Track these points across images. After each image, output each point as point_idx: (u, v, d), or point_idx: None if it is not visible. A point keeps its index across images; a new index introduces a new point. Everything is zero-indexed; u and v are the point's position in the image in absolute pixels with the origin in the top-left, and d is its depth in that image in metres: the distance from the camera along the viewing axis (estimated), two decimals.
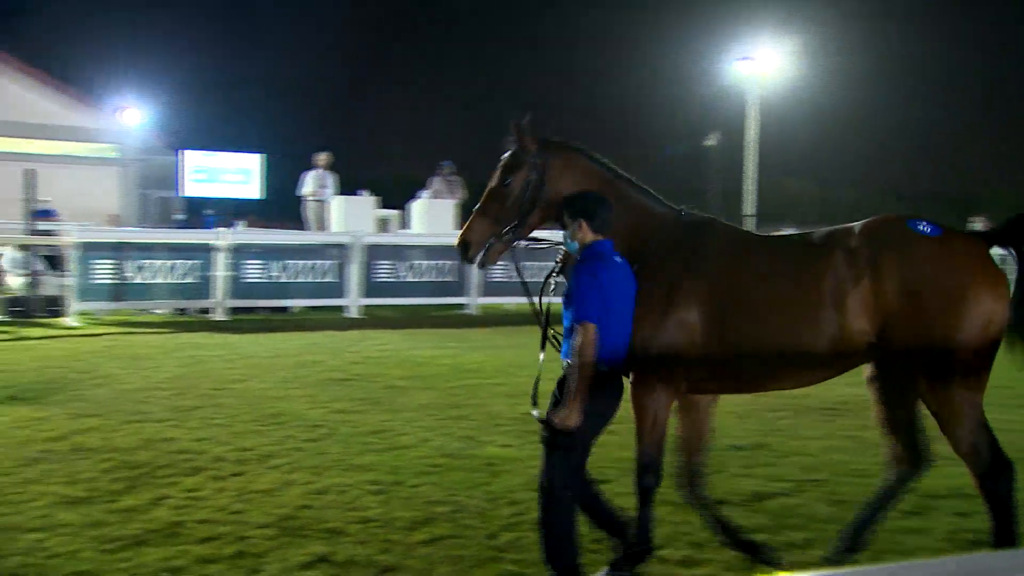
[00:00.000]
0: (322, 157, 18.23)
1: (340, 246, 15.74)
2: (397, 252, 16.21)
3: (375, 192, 18.93)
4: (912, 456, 4.48)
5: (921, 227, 4.16)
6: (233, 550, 4.64)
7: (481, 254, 4.36)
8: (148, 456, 6.30)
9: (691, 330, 4.16)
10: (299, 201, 18.57)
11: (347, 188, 18.86)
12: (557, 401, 4.13)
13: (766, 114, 31.81)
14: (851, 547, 4.46)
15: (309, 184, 18.13)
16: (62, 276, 14.83)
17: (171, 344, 11.56)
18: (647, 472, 4.29)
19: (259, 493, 5.55)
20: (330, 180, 18.23)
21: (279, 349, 11.50)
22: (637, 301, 4.19)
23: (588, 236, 4.15)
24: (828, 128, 52.83)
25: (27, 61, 30.39)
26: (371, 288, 15.82)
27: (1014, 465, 4.11)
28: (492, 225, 4.36)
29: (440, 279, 16.40)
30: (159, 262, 14.40)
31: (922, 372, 4.09)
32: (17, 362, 10.02)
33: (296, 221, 19.55)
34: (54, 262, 16.06)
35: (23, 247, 15.16)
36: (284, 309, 15.86)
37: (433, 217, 18.22)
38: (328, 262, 15.63)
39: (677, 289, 4.18)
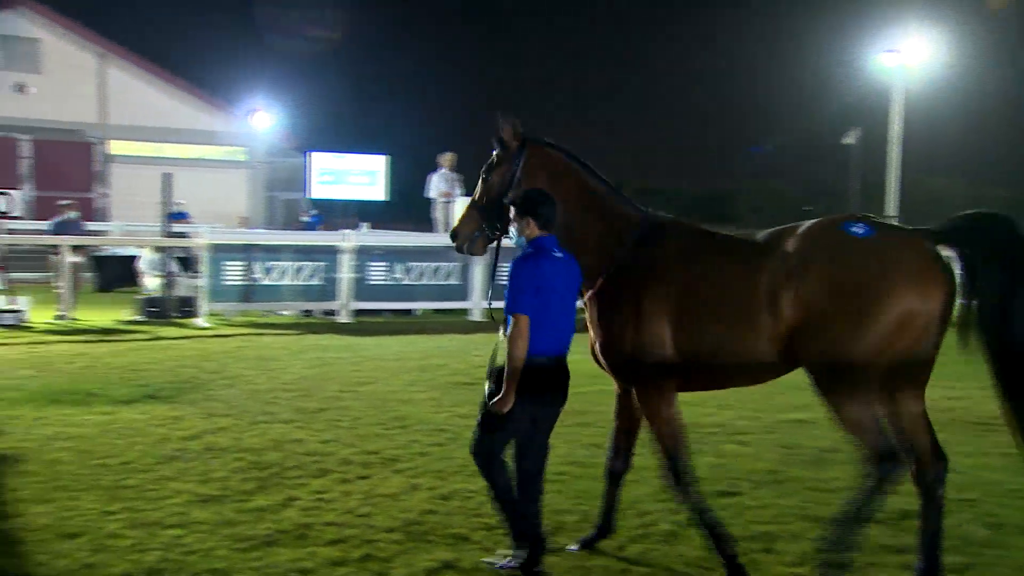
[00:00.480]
0: (447, 157, 18.50)
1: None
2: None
3: None
4: (934, 454, 4.40)
5: (854, 229, 4.23)
6: (360, 553, 4.76)
7: (467, 244, 4.87)
8: (277, 457, 6.54)
9: (656, 333, 4.42)
10: (423, 203, 18.91)
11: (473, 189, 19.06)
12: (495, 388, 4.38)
13: (911, 109, 30.52)
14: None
15: (437, 185, 18.41)
16: (195, 277, 15.58)
17: (297, 346, 11.97)
18: (676, 478, 4.47)
19: (385, 497, 5.68)
20: (457, 181, 18.47)
21: (403, 352, 11.74)
22: (606, 305, 4.55)
23: (534, 232, 4.45)
24: (978, 123, 50.38)
25: (164, 67, 32.03)
26: (496, 291, 15.88)
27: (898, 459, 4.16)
28: (479, 218, 4.83)
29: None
30: (286, 264, 14.95)
31: (832, 373, 4.18)
32: (154, 361, 10.57)
33: (419, 223, 19.93)
34: (187, 263, 16.89)
35: (159, 249, 15.98)
36: (408, 311, 16.20)
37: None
38: (452, 264, 15.88)
39: (642, 294, 4.46)
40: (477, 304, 15.77)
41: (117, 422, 7.47)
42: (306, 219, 25.48)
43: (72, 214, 15.58)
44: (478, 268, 15.71)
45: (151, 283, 16.12)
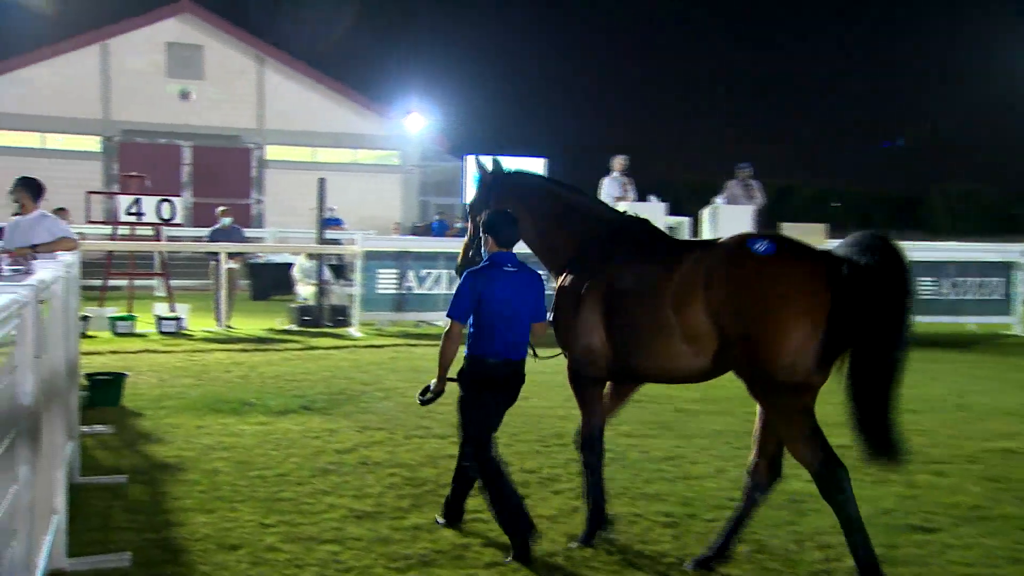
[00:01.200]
0: (619, 160, 18.40)
1: None
2: None
3: (663, 198, 18.91)
4: (771, 467, 5.02)
5: (757, 246, 4.69)
6: None
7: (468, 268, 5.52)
8: (431, 473, 6.68)
9: (591, 330, 5.27)
10: None
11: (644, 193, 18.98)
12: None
13: None
14: (717, 556, 4.95)
15: (609, 190, 18.34)
16: (348, 285, 16.14)
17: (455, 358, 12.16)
18: (586, 449, 5.45)
19: (544, 518, 5.70)
20: (630, 185, 18.36)
21: (562, 365, 11.75)
22: (557, 301, 5.45)
23: (492, 248, 5.40)
24: None
25: (321, 71, 33.38)
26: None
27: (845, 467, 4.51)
28: (469, 245, 5.86)
29: None
30: (441, 272, 15.27)
31: (747, 383, 4.74)
32: (308, 372, 11.01)
33: None
34: (340, 271, 17.53)
35: (313, 256, 16.65)
36: None
37: (727, 224, 17.91)
38: None
39: (585, 292, 5.30)
40: None
41: (273, 432, 7.83)
42: (459, 225, 25.97)
43: (225, 220, 16.46)
44: None
45: (305, 291, 16.81)
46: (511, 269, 5.34)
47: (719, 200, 18.86)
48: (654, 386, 10.24)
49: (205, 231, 19.03)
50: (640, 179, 18.54)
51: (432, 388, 5.54)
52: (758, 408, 4.94)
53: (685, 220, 19.73)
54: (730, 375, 4.84)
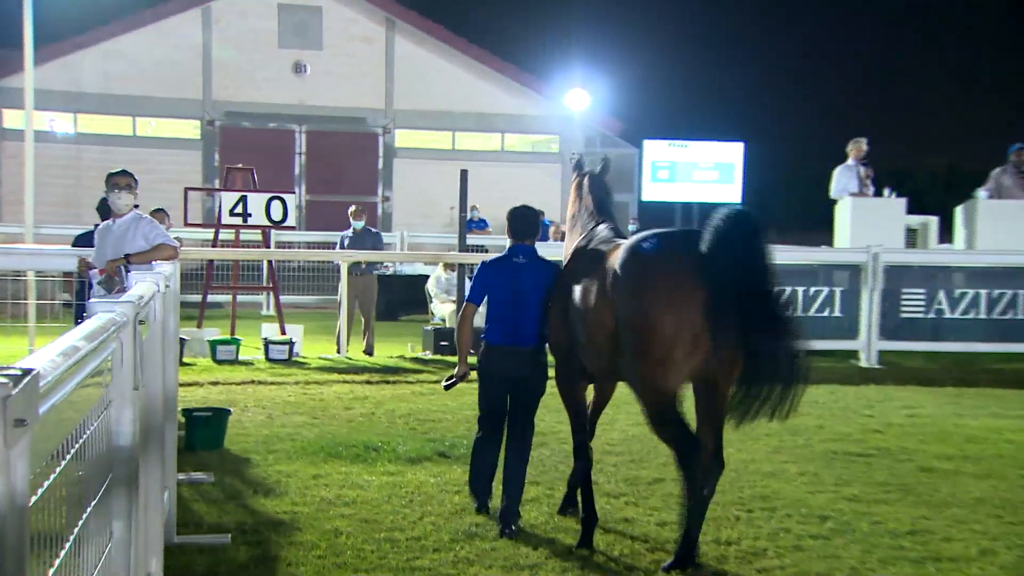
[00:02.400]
0: (856, 145, 18.03)
1: (849, 267, 15.59)
2: (933, 276, 15.67)
3: (902, 191, 18.46)
4: (714, 458, 6.27)
5: (644, 245, 6.25)
6: None
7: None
8: (601, 540, 6.70)
9: (556, 328, 6.99)
10: (788, 205, 18.63)
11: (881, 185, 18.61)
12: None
13: None
14: (681, 562, 6.14)
15: (844, 182, 17.99)
16: None
17: (621, 392, 12.16)
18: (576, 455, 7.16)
19: None
20: (871, 176, 17.98)
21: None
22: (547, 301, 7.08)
23: (510, 240, 7.34)
24: None
25: (463, 37, 33.76)
26: (894, 327, 15.45)
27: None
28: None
29: (1003, 317, 15.52)
30: None
31: (630, 372, 6.32)
32: (445, 409, 11.23)
33: (785, 232, 19.66)
34: None
35: (451, 266, 16.92)
36: None
37: (994, 225, 17.30)
38: (830, 289, 15.53)
39: (551, 294, 7.05)
40: (869, 344, 15.28)
41: (404, 485, 8.03)
42: (634, 227, 25.90)
43: (357, 224, 16.67)
44: (868, 295, 15.24)
45: (442, 310, 17.13)
46: (521, 260, 7.17)
47: (982, 193, 18.23)
48: (882, 433, 10.12)
49: (327, 235, 19.56)
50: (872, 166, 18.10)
51: (456, 372, 7.38)
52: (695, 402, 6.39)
53: (932, 220, 19.22)
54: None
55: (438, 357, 15.38)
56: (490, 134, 33.84)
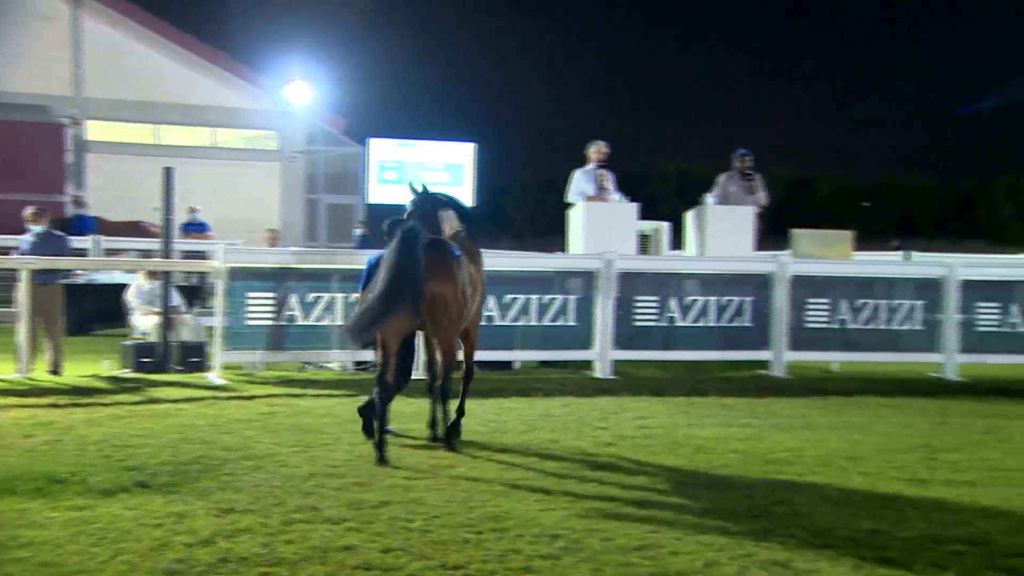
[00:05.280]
0: (596, 148, 18.50)
1: (582, 274, 16.02)
2: (666, 283, 16.28)
3: (636, 196, 19.08)
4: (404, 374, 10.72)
5: (454, 248, 10.46)
6: None
7: None
8: (321, 572, 6.63)
9: None
10: (520, 209, 19.05)
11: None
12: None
13: None
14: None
15: (582, 186, 18.41)
16: (205, 315, 15.95)
17: (348, 412, 12.10)
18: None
19: None
20: (612, 180, 18.49)
21: (497, 422, 11.86)
22: None
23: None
24: None
25: (162, 19, 32.87)
26: (628, 336, 15.96)
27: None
28: None
29: (732, 324, 16.36)
30: (337, 296, 15.12)
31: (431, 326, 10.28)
32: (147, 433, 10.87)
33: (519, 238, 20.03)
34: (193, 295, 17.34)
35: (154, 274, 16.40)
36: (505, 364, 16.31)
37: (721, 230, 18.18)
38: (564, 297, 15.88)
39: None
40: (603, 355, 15.75)
41: (95, 520, 7.68)
42: (360, 234, 25.83)
43: (37, 228, 16.07)
44: (602, 303, 15.69)
45: (144, 323, 16.60)
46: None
47: (710, 199, 19.13)
48: (616, 446, 10.46)
49: (5, 240, 18.69)
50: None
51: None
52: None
53: (664, 225, 19.96)
54: None
55: (140, 376, 14.86)
56: (199, 128, 33.10)
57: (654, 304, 16.10)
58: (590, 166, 18.46)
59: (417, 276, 9.74)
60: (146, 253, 22.76)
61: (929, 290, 17.03)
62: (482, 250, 11.53)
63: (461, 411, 10.82)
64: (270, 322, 15.02)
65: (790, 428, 12.02)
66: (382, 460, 9.61)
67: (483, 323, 15.42)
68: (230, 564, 6.79)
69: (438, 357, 10.59)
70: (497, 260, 15.72)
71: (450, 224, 11.07)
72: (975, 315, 17.19)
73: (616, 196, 18.46)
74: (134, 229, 26.12)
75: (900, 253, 27.47)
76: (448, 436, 10.52)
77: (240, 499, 8.33)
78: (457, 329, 10.37)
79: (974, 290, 17.13)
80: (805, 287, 16.66)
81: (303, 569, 6.70)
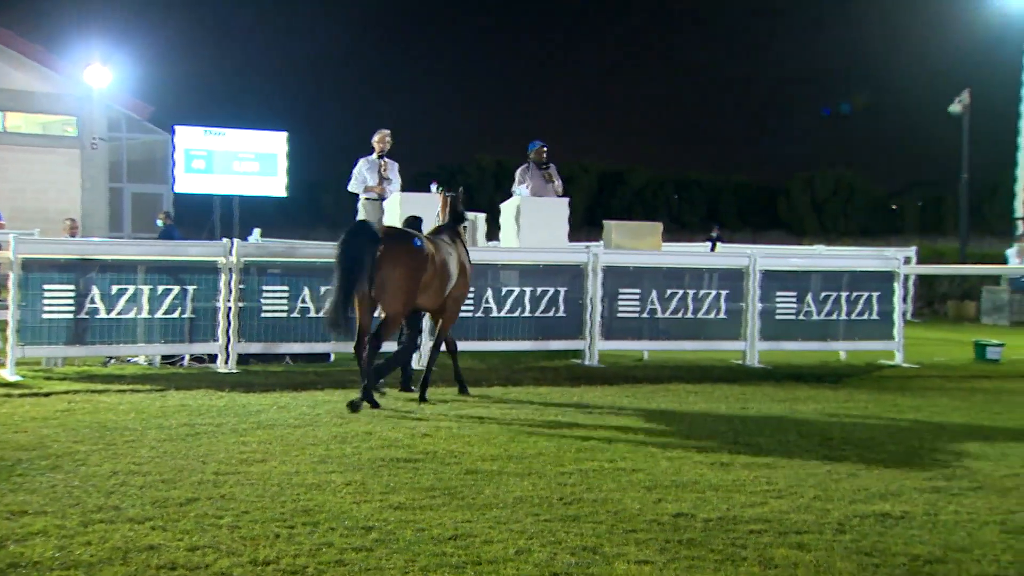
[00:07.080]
0: (380, 136, 18.56)
1: None
2: (480, 274, 16.38)
3: (446, 186, 19.19)
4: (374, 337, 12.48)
5: (415, 239, 12.63)
6: None
7: None
8: (122, 573, 6.49)
9: None
10: (338, 199, 19.08)
11: (406, 179, 19.26)
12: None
13: None
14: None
15: (366, 175, 18.43)
16: None
17: (154, 408, 11.92)
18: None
19: None
20: (395, 170, 18.57)
21: (312, 415, 11.79)
22: None
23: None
24: None
25: None
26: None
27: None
28: None
29: (545, 315, 16.61)
30: (140, 288, 14.80)
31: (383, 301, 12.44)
32: None
33: (334, 228, 19.98)
34: None
35: None
36: (323, 356, 16.22)
37: (534, 220, 18.42)
38: None
39: None
40: (425, 345, 15.78)
41: None
42: (162, 224, 25.31)
43: None
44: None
45: None
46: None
47: (523, 190, 19.38)
48: (431, 437, 10.55)
49: None
50: (423, 162, 18.82)
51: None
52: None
53: (480, 216, 20.09)
54: None
55: None
56: None
57: (470, 295, 16.21)
58: (373, 156, 18.55)
59: (364, 263, 11.89)
60: None
61: (733, 280, 17.84)
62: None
63: (431, 366, 13.45)
64: (70, 315, 14.63)
65: (602, 416, 12.35)
66: (369, 399, 12.24)
67: (296, 315, 15.47)
68: (21, 570, 6.58)
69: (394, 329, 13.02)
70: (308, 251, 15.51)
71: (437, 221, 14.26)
72: (775, 304, 18.01)
73: (396, 186, 18.56)
74: None
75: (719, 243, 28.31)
76: (423, 390, 13.00)
77: (34, 500, 8.07)
78: (401, 303, 12.42)
79: (773, 280, 17.98)
80: (617, 278, 17.13)
81: (101, 571, 6.53)
